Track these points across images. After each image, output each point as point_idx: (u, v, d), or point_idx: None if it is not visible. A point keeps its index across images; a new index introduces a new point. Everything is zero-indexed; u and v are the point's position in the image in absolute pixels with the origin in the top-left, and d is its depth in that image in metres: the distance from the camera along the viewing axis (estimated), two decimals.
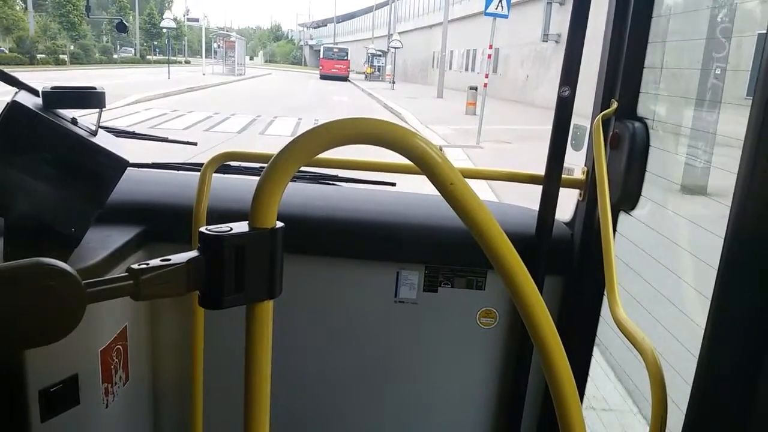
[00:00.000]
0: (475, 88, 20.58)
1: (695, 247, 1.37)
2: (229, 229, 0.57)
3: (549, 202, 1.66)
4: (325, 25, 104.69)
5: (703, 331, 0.90)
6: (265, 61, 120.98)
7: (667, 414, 0.98)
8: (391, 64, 40.64)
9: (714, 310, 0.88)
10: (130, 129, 1.99)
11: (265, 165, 0.58)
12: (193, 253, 0.57)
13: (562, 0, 22.95)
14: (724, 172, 1.19)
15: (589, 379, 1.80)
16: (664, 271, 1.48)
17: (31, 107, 1.22)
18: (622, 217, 1.62)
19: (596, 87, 1.63)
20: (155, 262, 0.55)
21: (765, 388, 0.82)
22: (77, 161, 1.27)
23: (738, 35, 1.37)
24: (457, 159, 10.84)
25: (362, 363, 1.87)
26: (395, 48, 37.97)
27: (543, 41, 24.82)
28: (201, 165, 1.64)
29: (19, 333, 0.49)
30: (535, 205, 1.72)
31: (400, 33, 45.01)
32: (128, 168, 1.34)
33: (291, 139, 0.58)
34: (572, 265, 1.75)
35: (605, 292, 1.37)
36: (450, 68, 38.67)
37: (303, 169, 1.75)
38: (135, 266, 0.54)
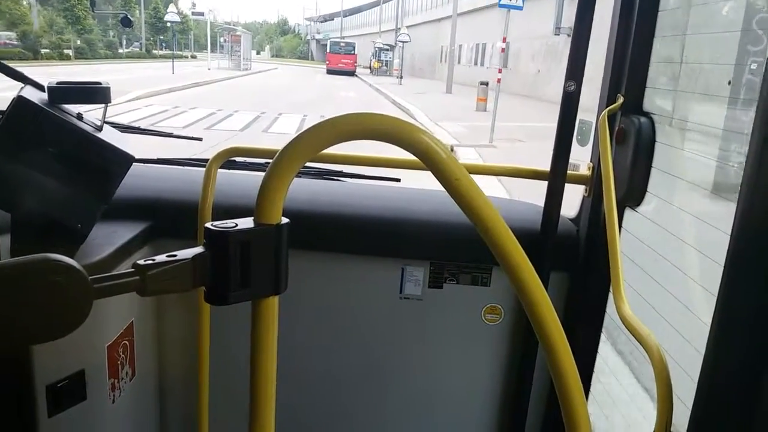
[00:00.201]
0: (486, 84, 20.23)
1: (701, 244, 1.35)
2: (234, 225, 0.57)
3: (554, 197, 1.65)
4: (332, 19, 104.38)
5: (708, 327, 0.89)
6: (272, 56, 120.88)
7: (672, 410, 0.97)
8: (399, 59, 40.15)
9: (720, 306, 0.87)
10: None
11: (271, 161, 0.58)
12: (199, 249, 0.57)
13: None
14: (731, 168, 1.19)
15: (594, 375, 1.80)
16: (670, 267, 1.47)
17: (36, 102, 1.22)
18: (628, 213, 1.61)
19: (602, 82, 1.62)
20: (161, 257, 0.56)
21: None
22: (83, 157, 1.28)
23: (745, 29, 1.34)
24: (470, 159, 10.45)
25: (367, 358, 1.87)
26: (403, 42, 37.52)
27: (555, 35, 24.24)
28: (206, 161, 1.64)
29: (26, 328, 0.50)
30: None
31: (407, 27, 44.45)
32: (134, 163, 1.34)
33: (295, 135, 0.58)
34: (577, 262, 1.74)
35: (611, 289, 1.37)
36: (459, 63, 38.11)
37: (308, 164, 1.72)
38: (141, 262, 0.55)
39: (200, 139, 2.14)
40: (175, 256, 0.56)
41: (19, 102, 1.21)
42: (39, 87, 1.32)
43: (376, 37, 58.45)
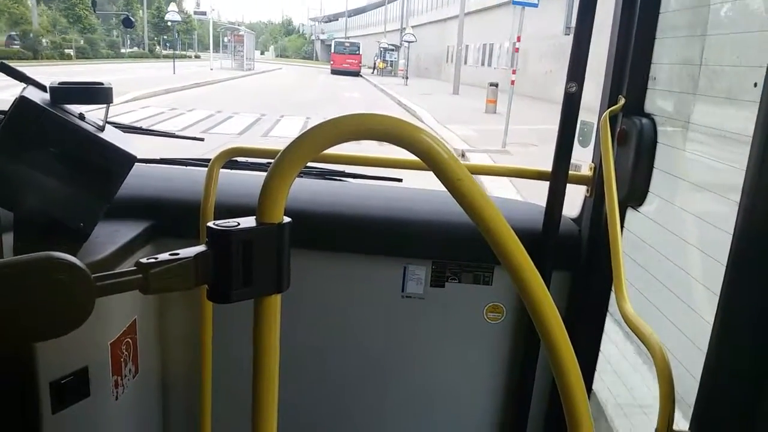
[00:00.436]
0: (496, 85, 19.64)
1: (703, 243, 1.35)
2: (236, 224, 0.58)
3: (556, 198, 1.66)
4: (337, 20, 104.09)
5: (711, 326, 0.90)
6: (277, 56, 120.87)
7: (674, 409, 0.97)
8: (404, 59, 39.56)
9: (722, 305, 0.88)
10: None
11: (273, 160, 0.58)
12: (201, 248, 0.57)
13: None
14: (733, 168, 1.20)
15: (596, 373, 1.80)
16: (672, 267, 1.48)
17: (39, 103, 1.24)
18: (630, 213, 1.62)
19: (603, 83, 1.63)
20: (164, 256, 0.56)
21: None
22: (85, 157, 1.29)
23: (744, 31, 1.35)
24: None
25: (369, 357, 1.87)
26: (409, 42, 36.99)
27: (565, 35, 23.55)
28: (208, 161, 1.64)
29: (29, 326, 0.50)
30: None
31: (413, 27, 43.87)
32: (136, 163, 1.36)
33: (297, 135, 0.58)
34: (579, 261, 1.74)
35: (613, 288, 1.38)
36: (465, 63, 37.52)
37: (310, 164, 1.69)
38: (144, 260, 0.55)
39: (202, 139, 2.15)
40: (177, 254, 0.56)
41: (22, 102, 1.23)
42: (41, 87, 1.33)
43: (381, 37, 57.96)
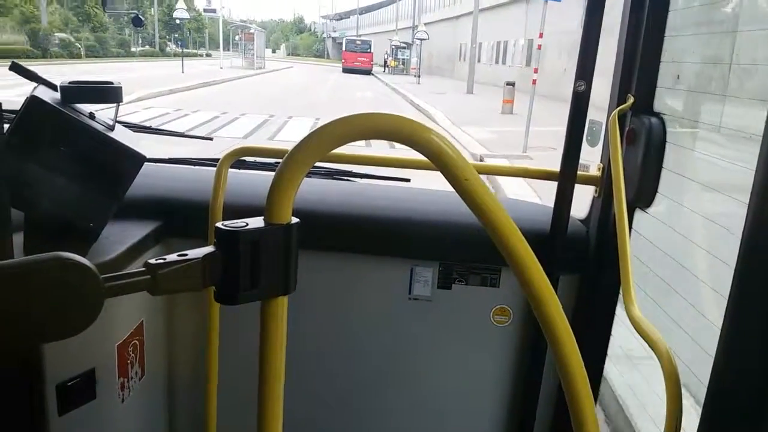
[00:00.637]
0: (513, 84, 18.93)
1: (712, 245, 1.32)
2: (244, 224, 0.58)
3: (564, 198, 1.64)
4: (348, 17, 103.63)
5: (719, 329, 0.88)
6: (288, 54, 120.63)
7: (682, 413, 0.96)
8: (416, 57, 38.87)
9: (731, 308, 0.87)
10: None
11: (281, 160, 0.58)
12: (210, 249, 0.58)
13: None
14: (743, 169, 1.17)
15: (602, 377, 1.79)
16: (681, 269, 1.45)
17: (50, 102, 1.24)
18: (638, 214, 1.60)
19: (612, 81, 1.61)
20: (172, 257, 0.56)
21: None
22: (95, 156, 1.29)
23: (754, 29, 1.31)
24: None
25: (375, 359, 1.86)
26: (421, 39, 36.32)
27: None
28: (217, 160, 1.64)
29: (38, 326, 0.50)
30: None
31: (425, 24, 43.12)
32: (145, 163, 1.36)
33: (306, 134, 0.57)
34: (587, 263, 1.73)
35: (620, 290, 1.36)
36: (479, 61, 36.71)
37: (318, 164, 1.70)
38: (152, 261, 0.55)
39: (211, 139, 2.25)
40: (186, 255, 0.56)
41: (33, 102, 1.22)
42: (52, 86, 1.33)
43: (393, 35, 57.27)
